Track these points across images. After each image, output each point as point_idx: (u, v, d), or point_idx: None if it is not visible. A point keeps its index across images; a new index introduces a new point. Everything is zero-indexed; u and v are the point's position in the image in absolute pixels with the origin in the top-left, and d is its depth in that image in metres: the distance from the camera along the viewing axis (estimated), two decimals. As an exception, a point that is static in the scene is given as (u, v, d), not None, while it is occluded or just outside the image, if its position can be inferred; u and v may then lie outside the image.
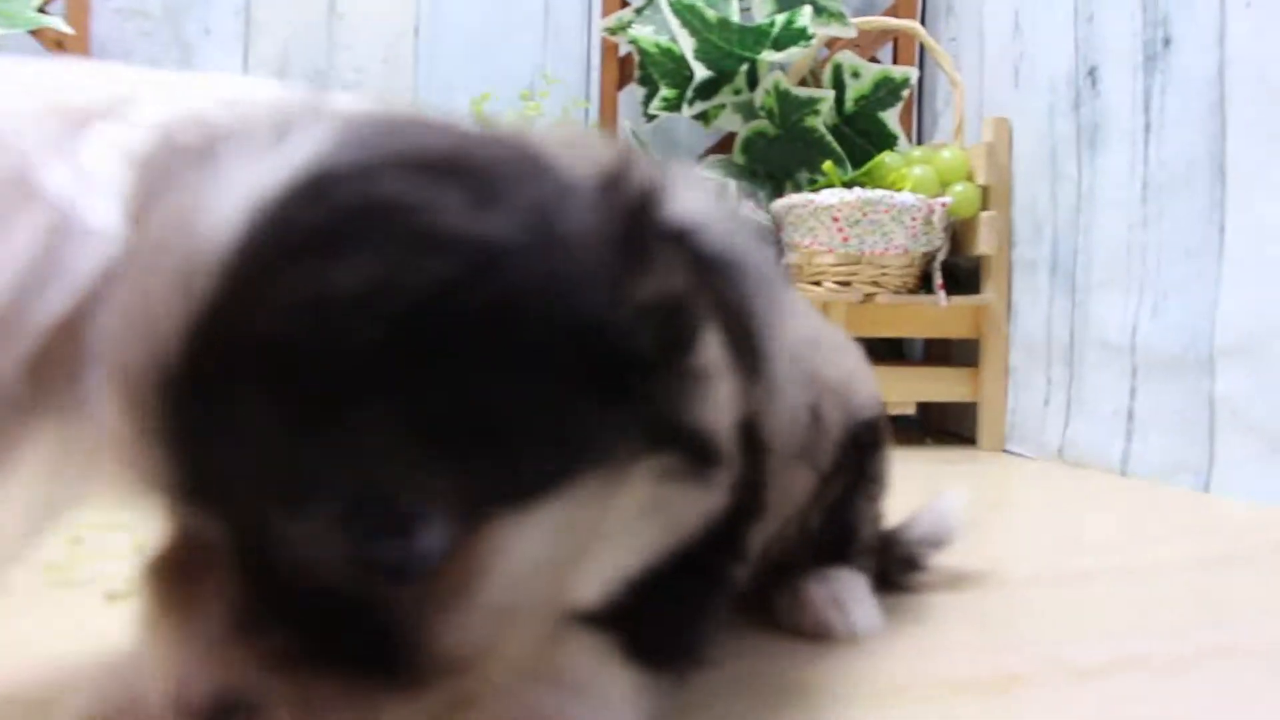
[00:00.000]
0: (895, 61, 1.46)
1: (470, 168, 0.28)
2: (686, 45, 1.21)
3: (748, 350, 0.30)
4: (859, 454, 0.55)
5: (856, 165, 1.29)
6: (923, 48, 1.47)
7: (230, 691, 0.27)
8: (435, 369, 0.25)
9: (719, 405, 0.33)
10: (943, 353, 1.39)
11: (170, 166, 0.28)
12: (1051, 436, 1.13)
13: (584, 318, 0.28)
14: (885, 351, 1.42)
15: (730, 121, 1.35)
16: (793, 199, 1.21)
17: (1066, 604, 0.62)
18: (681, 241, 0.29)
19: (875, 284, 1.20)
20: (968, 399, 1.25)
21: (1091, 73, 1.07)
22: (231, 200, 0.26)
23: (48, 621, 0.53)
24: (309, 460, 0.25)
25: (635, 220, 0.29)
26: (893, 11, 1.44)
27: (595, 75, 1.47)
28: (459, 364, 0.26)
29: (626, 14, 1.37)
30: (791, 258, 1.24)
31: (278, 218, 0.25)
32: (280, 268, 0.25)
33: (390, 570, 0.27)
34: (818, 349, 0.52)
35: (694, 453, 0.32)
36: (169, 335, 0.25)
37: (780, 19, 1.20)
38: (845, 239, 1.18)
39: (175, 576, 0.28)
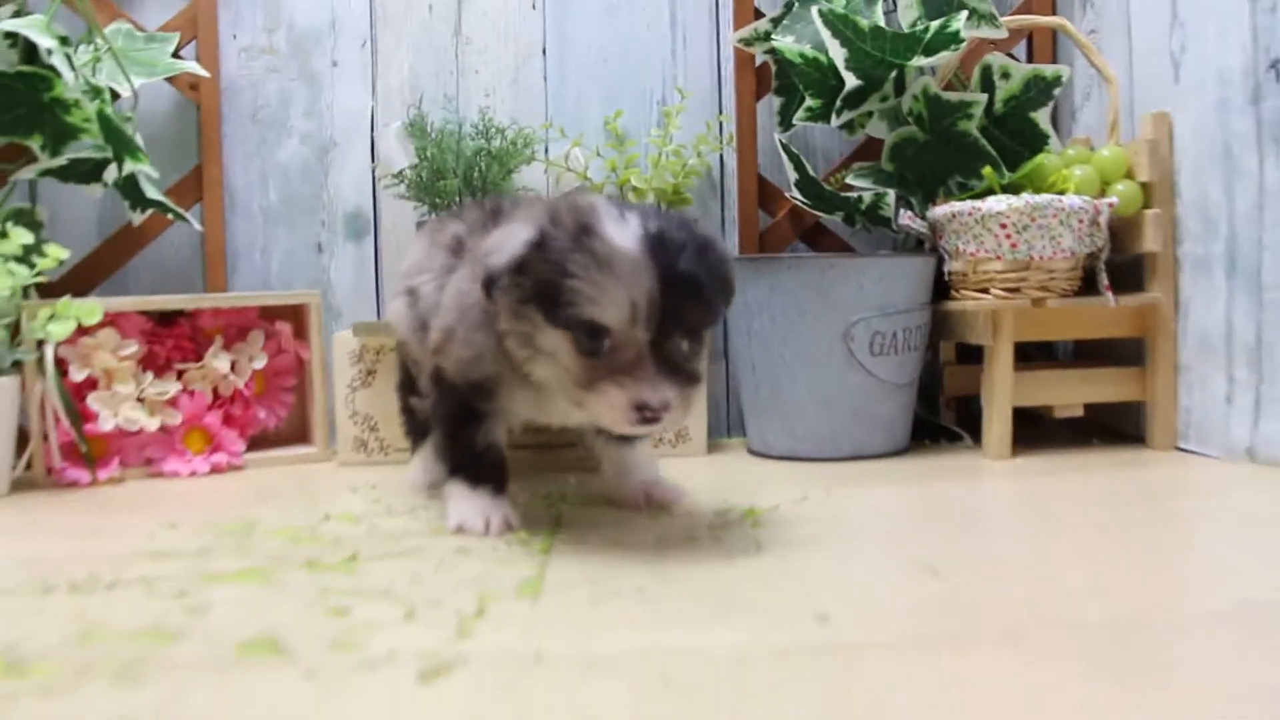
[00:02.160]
0: (1030, 58, 1.44)
1: (685, 222, 0.79)
2: (837, 55, 1.20)
3: (728, 288, 0.84)
4: None
5: (1007, 168, 1.28)
6: (1055, 43, 1.45)
7: (666, 397, 0.73)
8: (716, 285, 0.78)
9: None
10: (1096, 352, 1.37)
11: (578, 230, 0.75)
12: (1239, 436, 1.11)
13: (725, 270, 0.80)
14: (1035, 354, 1.40)
15: (875, 128, 1.33)
16: (955, 206, 1.19)
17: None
18: (723, 248, 0.82)
19: (1044, 289, 1.19)
20: (1136, 399, 1.24)
21: (1275, 66, 1.04)
22: (635, 238, 0.74)
23: (369, 708, 0.53)
24: (692, 320, 0.77)
25: (719, 243, 0.81)
26: (1026, 7, 1.42)
27: (728, 87, 1.46)
28: (718, 281, 0.78)
29: (762, 25, 1.36)
30: (955, 266, 1.22)
31: (657, 241, 0.74)
32: (674, 257, 0.74)
33: (696, 357, 0.79)
34: None
35: None
36: (649, 284, 0.73)
37: (934, 24, 1.18)
38: (1014, 245, 1.16)
39: (617, 372, 0.74)
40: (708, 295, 0.77)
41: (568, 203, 0.79)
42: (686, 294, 0.74)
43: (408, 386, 1.11)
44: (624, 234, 0.74)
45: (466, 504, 0.90)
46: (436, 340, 0.88)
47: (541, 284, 0.75)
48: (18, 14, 1.18)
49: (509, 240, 0.77)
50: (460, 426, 0.90)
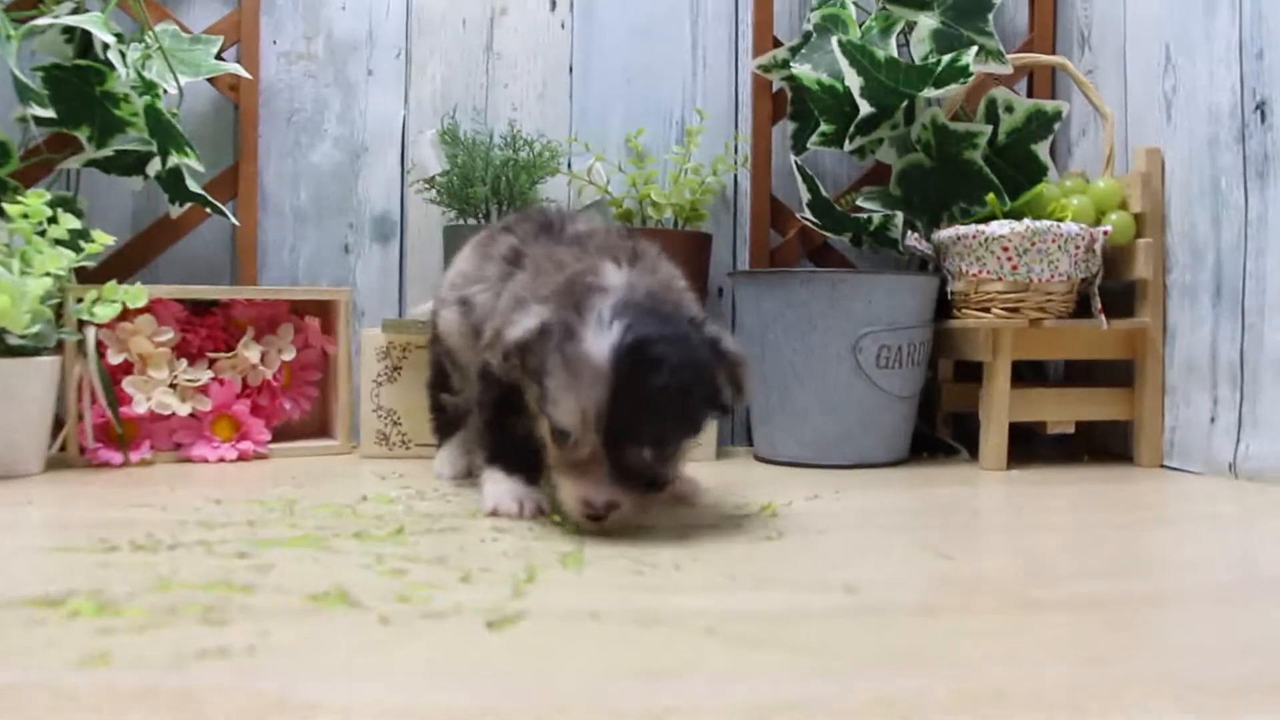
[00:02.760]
0: (1030, 94, 1.52)
1: (682, 331, 0.81)
2: (854, 83, 1.27)
3: (739, 389, 0.85)
4: None
5: (1009, 196, 1.35)
6: (1054, 81, 1.54)
7: (611, 500, 0.80)
8: (693, 397, 0.81)
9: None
10: (1084, 373, 1.44)
11: (563, 331, 0.79)
12: (1221, 452, 1.18)
13: (725, 373, 0.84)
14: (1027, 373, 1.47)
15: (885, 154, 1.40)
16: (960, 229, 1.26)
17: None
18: (726, 352, 0.84)
19: (1041, 309, 1.26)
20: (1125, 418, 1.31)
21: (1261, 107, 1.12)
22: (605, 348, 0.77)
23: (445, 649, 0.58)
24: (649, 433, 0.79)
25: (721, 347, 0.84)
26: (1028, 46, 1.50)
27: (744, 110, 1.53)
28: (698, 392, 0.81)
29: (781, 53, 1.43)
30: (957, 286, 1.29)
31: (626, 352, 0.76)
32: (640, 370, 0.76)
33: (664, 464, 0.83)
34: None
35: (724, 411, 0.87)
36: (602, 394, 0.76)
37: (946, 58, 1.25)
38: (1015, 267, 1.23)
39: (577, 467, 0.80)
40: (670, 409, 0.79)
41: (579, 292, 0.83)
42: (647, 410, 0.77)
43: (439, 385, 1.16)
44: (599, 342, 0.77)
45: (501, 487, 0.95)
46: (489, 338, 0.94)
47: (533, 370, 0.82)
48: (75, 11, 1.23)
49: (520, 324, 0.83)
50: (501, 415, 0.95)
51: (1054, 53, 1.50)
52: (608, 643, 0.58)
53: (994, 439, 1.26)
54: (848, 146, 1.34)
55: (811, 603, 0.67)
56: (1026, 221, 1.23)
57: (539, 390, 0.81)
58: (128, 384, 1.25)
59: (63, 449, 1.23)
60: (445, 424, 1.19)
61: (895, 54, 1.29)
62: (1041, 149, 1.36)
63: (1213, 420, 1.20)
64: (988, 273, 1.25)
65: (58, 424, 1.22)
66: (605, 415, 0.77)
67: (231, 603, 0.64)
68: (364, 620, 0.61)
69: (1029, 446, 1.39)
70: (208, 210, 1.35)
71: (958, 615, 0.64)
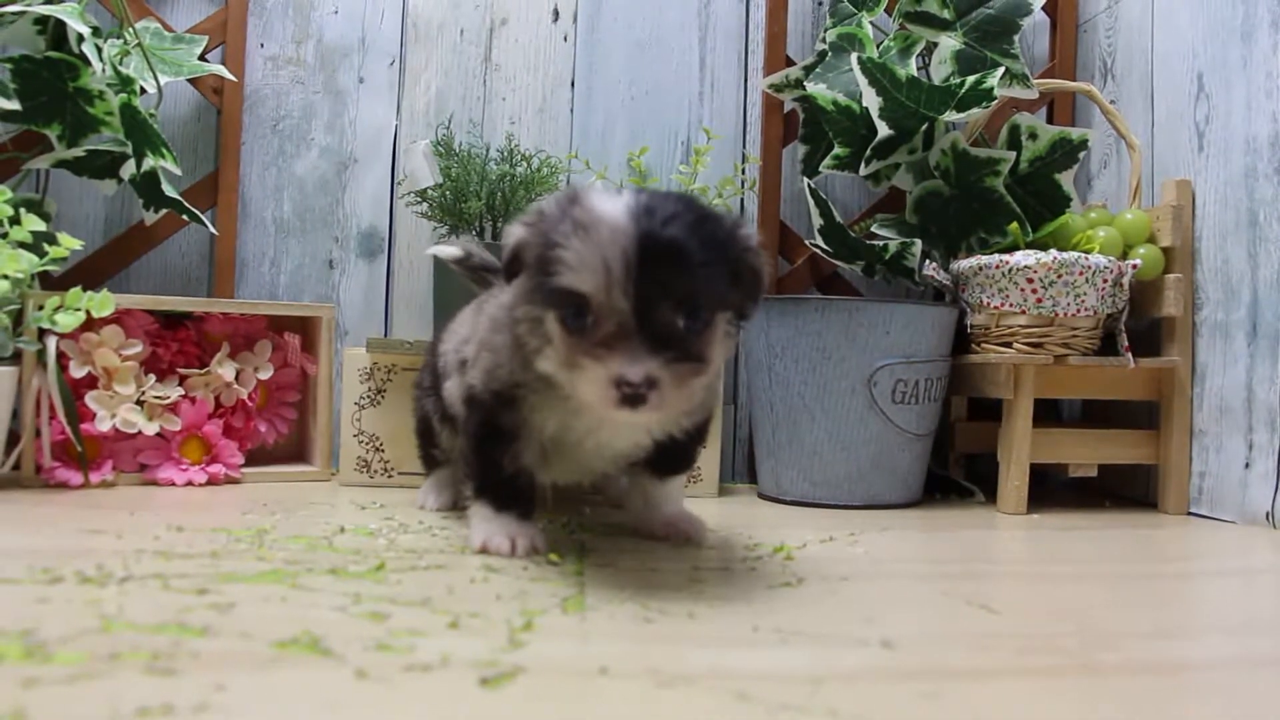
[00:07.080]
0: (1050, 123, 1.47)
1: (691, 199, 0.75)
2: (872, 104, 1.21)
3: (757, 281, 0.77)
4: None
5: (1030, 227, 1.29)
6: (1074, 110, 1.48)
7: (650, 373, 0.67)
8: (717, 259, 0.71)
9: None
10: (1102, 414, 1.38)
11: (568, 203, 0.73)
12: (1258, 501, 1.11)
13: (738, 252, 0.75)
14: (1042, 413, 1.40)
15: (901, 180, 1.34)
16: (982, 259, 1.20)
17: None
18: (743, 234, 0.76)
19: (1065, 345, 1.19)
20: (1149, 461, 1.24)
21: (1303, 139, 1.07)
22: (620, 206, 0.70)
23: (431, 710, 0.50)
24: (680, 288, 0.69)
25: (738, 228, 0.76)
26: (1049, 74, 1.45)
27: (754, 131, 1.46)
28: (720, 257, 0.72)
29: (794, 72, 1.37)
30: (977, 319, 1.22)
31: (644, 209, 0.69)
32: (662, 223, 0.69)
33: (695, 329, 0.71)
34: None
35: (738, 314, 0.78)
36: (628, 246, 0.67)
37: (970, 80, 1.19)
38: (1039, 300, 1.17)
39: (601, 345, 0.69)
40: (697, 261, 0.69)
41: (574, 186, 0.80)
42: (672, 259, 0.69)
43: (427, 436, 1.09)
44: (610, 203, 0.71)
45: (492, 524, 0.87)
46: (470, 358, 0.87)
47: (535, 260, 0.73)
48: (49, 0, 1.16)
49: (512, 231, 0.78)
50: (488, 444, 0.86)
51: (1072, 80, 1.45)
52: (622, 705, 0.50)
53: (1014, 481, 1.18)
54: (863, 171, 1.28)
55: (848, 661, 0.59)
56: (1053, 252, 1.16)
57: (541, 286, 0.72)
58: (90, 399, 1.16)
59: (17, 467, 1.13)
60: (433, 463, 1.11)
61: (915, 75, 1.22)
62: (1065, 179, 1.30)
63: (1247, 466, 1.13)
64: (1010, 305, 1.18)
65: (13, 440, 1.13)
66: (634, 269, 0.67)
67: (183, 648, 0.56)
68: (337, 673, 0.53)
69: (1044, 489, 1.32)
70: (184, 218, 1.27)
71: (1012, 679, 0.57)
